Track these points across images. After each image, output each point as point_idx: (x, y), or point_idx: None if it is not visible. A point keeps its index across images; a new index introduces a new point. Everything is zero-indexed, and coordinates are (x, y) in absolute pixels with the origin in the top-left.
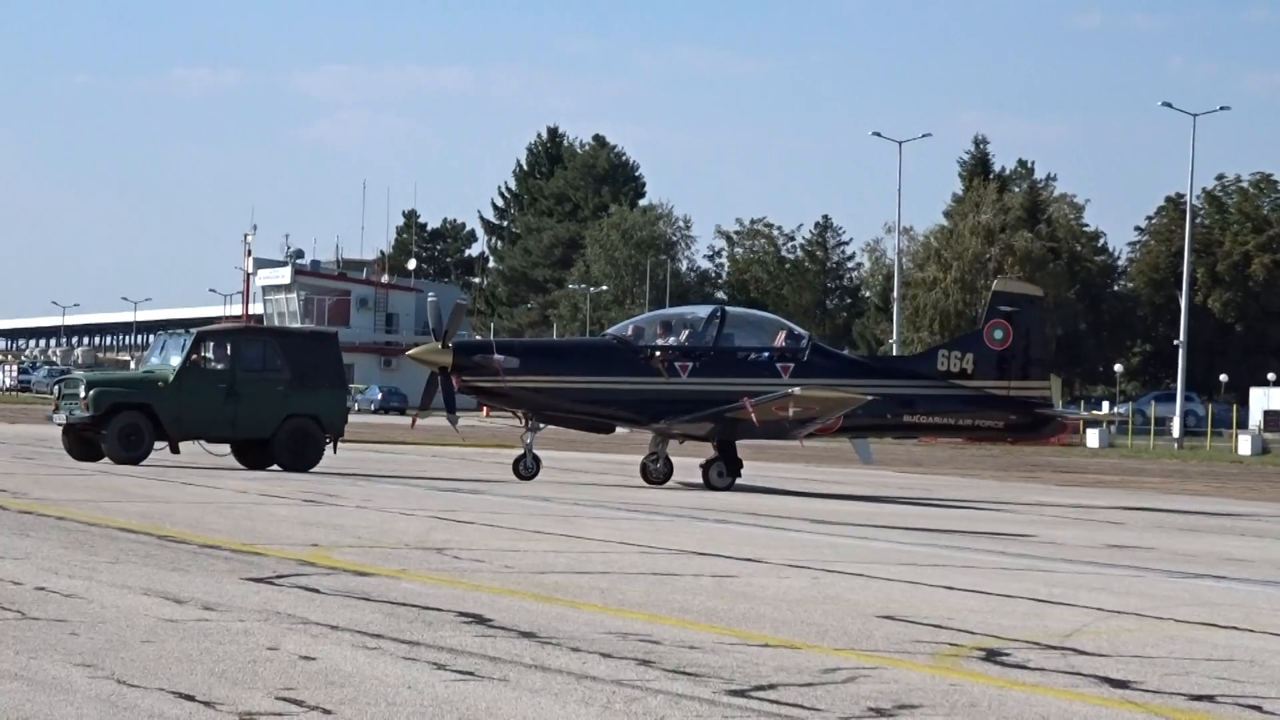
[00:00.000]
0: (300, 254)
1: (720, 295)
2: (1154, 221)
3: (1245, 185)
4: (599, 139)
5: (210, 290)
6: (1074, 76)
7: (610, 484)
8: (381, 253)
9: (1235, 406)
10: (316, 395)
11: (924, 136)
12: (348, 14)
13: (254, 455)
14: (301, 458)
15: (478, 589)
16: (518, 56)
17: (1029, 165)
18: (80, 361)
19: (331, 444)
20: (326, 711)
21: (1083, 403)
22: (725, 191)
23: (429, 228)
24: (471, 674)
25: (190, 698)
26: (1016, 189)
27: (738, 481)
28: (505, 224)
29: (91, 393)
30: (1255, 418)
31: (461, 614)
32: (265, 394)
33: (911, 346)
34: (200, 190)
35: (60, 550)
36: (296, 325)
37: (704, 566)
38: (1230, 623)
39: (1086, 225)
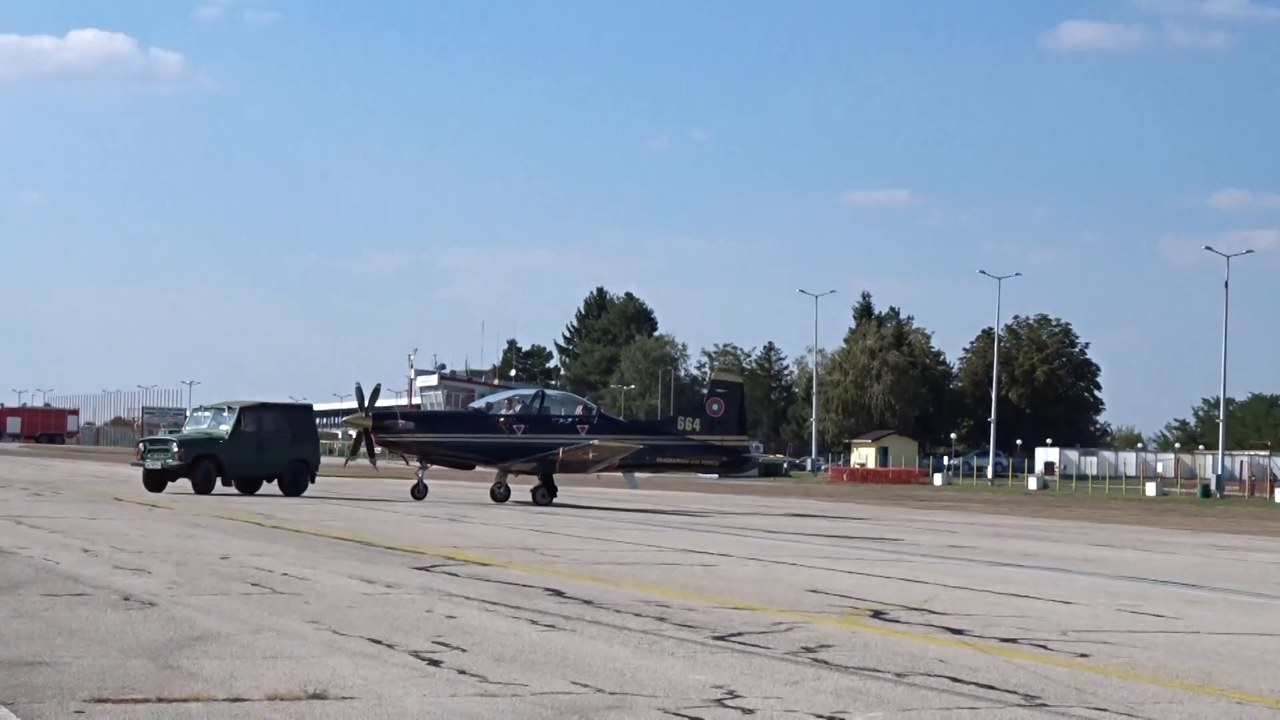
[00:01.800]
0: (443, 366)
1: (703, 390)
2: (974, 344)
3: (1031, 322)
4: (629, 294)
5: (387, 390)
6: (924, 257)
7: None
8: (494, 365)
9: (1026, 460)
10: (304, 446)
11: (831, 292)
12: (473, 214)
13: (251, 486)
14: (298, 486)
15: (556, 574)
16: (579, 242)
17: (896, 310)
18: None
19: (311, 478)
20: (463, 650)
21: (919, 459)
22: (707, 327)
23: (522, 350)
24: (553, 626)
25: (378, 642)
26: (889, 325)
27: (560, 500)
28: (571, 347)
29: (181, 448)
30: (1039, 467)
31: (546, 589)
32: (277, 446)
33: (823, 423)
34: (383, 326)
35: (296, 551)
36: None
37: (696, 559)
38: (1026, 594)
39: (932, 347)
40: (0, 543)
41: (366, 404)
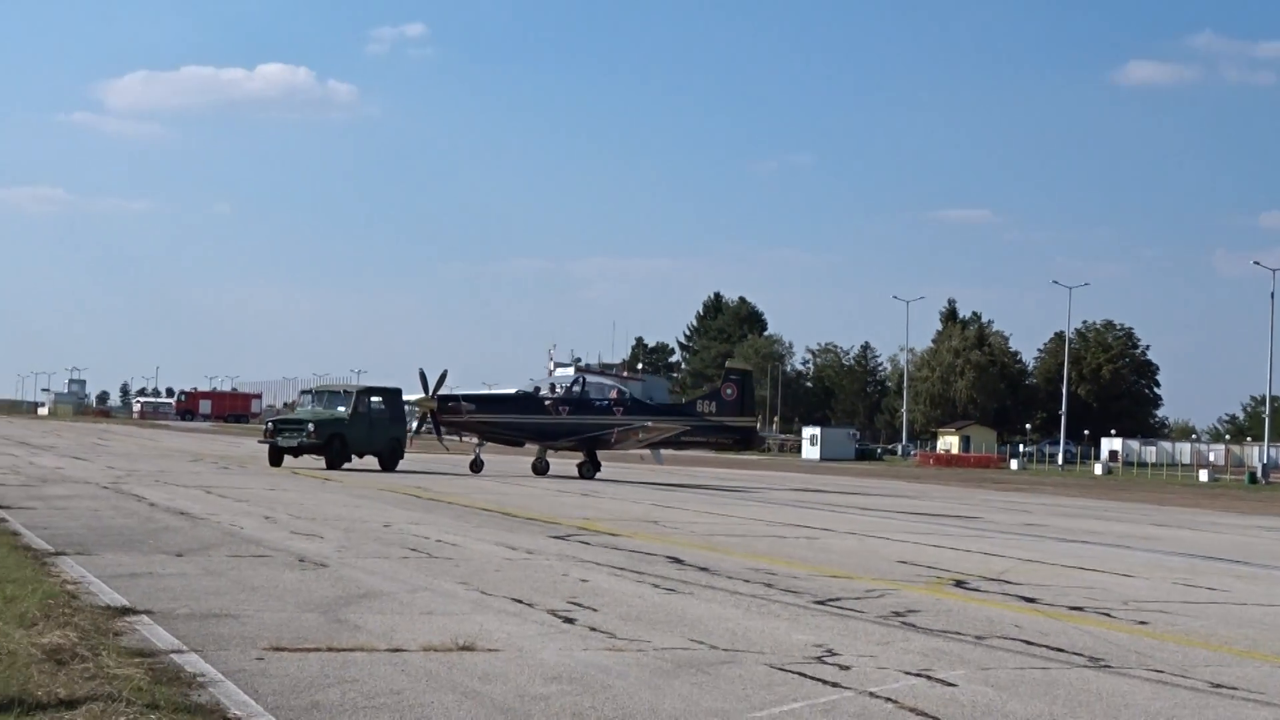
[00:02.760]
0: (579, 359)
1: (809, 384)
2: (1047, 345)
3: (1098, 326)
4: (742, 298)
5: (530, 379)
6: (1003, 268)
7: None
8: (623, 359)
9: (1092, 448)
10: (398, 426)
11: (920, 298)
12: (605, 227)
13: (335, 458)
14: (395, 460)
15: (676, 543)
16: (698, 252)
17: (978, 314)
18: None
19: (401, 454)
20: (594, 609)
21: (997, 447)
22: (811, 327)
23: (648, 346)
24: (673, 590)
25: (520, 601)
26: (971, 328)
27: (604, 474)
28: (690, 344)
29: (316, 428)
30: (1104, 454)
31: (668, 557)
32: (381, 425)
33: (912, 414)
34: (525, 324)
35: (449, 520)
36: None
37: (800, 533)
38: (1092, 567)
39: (1010, 348)
40: (192, 509)
41: (432, 389)
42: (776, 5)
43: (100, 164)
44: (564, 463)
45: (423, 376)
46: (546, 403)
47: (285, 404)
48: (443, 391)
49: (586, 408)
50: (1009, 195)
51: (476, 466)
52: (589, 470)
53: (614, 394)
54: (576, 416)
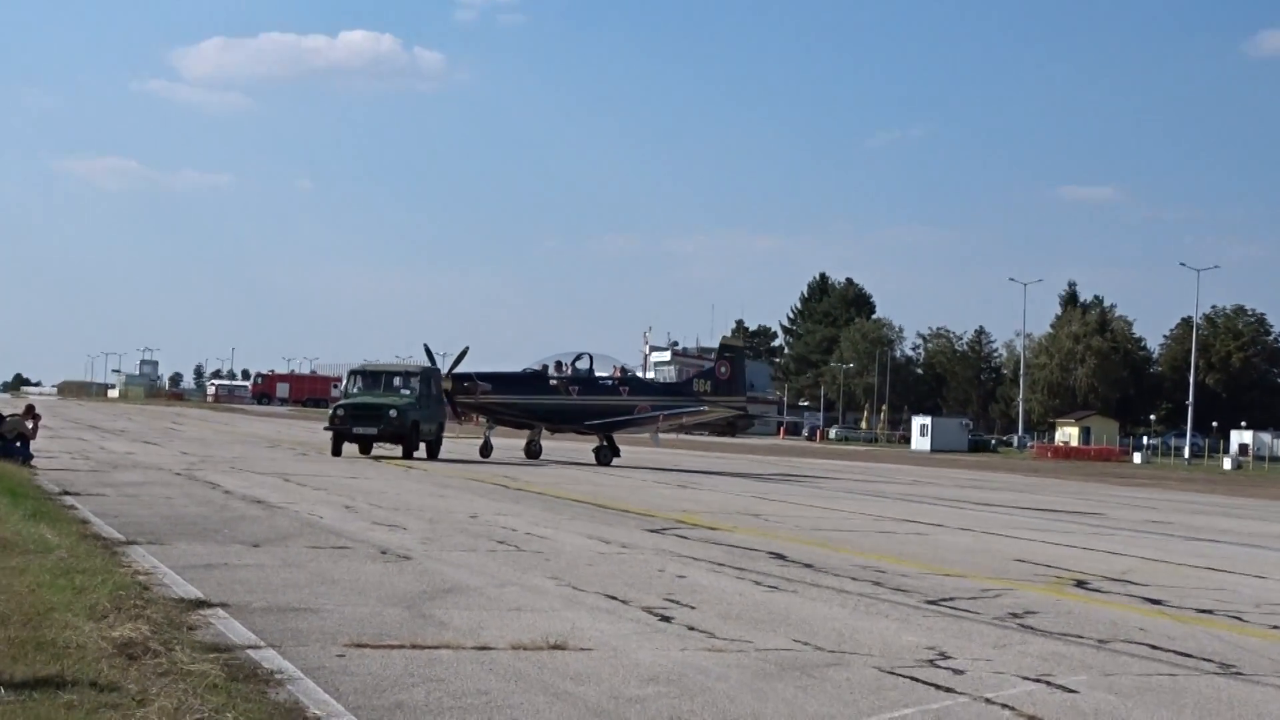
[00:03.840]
0: (676, 343)
1: (919, 371)
2: (1174, 332)
3: (1228, 311)
4: (849, 280)
5: (629, 365)
6: (1127, 249)
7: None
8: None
9: (1221, 441)
10: (442, 410)
11: (1039, 281)
12: (703, 203)
13: (412, 446)
14: (439, 445)
15: (779, 538)
16: (804, 230)
17: (1100, 298)
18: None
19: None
20: (692, 607)
21: (1119, 438)
22: (922, 311)
23: (750, 329)
24: (776, 587)
25: (614, 598)
26: (1093, 312)
27: (622, 460)
28: (794, 327)
29: (397, 414)
30: (1234, 448)
31: (770, 553)
32: (434, 409)
33: (1029, 403)
34: (619, 305)
35: (539, 512)
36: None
37: (910, 528)
38: (1221, 568)
39: (1134, 334)
40: (270, 498)
41: (448, 368)
42: None
43: (176, 135)
44: (562, 445)
45: (428, 352)
46: (554, 382)
47: (337, 388)
48: (458, 370)
49: (594, 387)
50: (1135, 172)
51: (486, 450)
52: (606, 456)
53: (617, 371)
54: (587, 397)
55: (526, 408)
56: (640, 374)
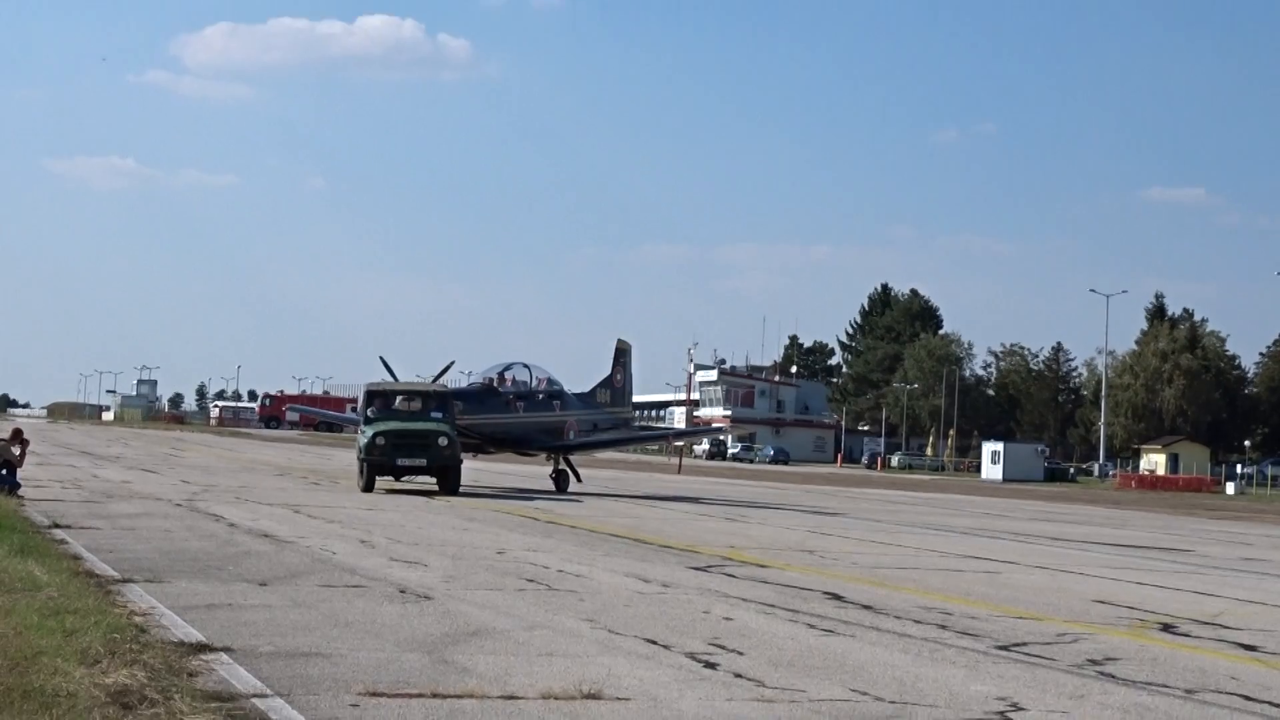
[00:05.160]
0: (723, 361)
1: (990, 392)
2: (1272, 348)
3: None
4: (914, 291)
5: (666, 384)
6: (1221, 257)
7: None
8: (775, 361)
9: None
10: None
11: (1122, 292)
12: (754, 209)
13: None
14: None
15: (835, 577)
16: (863, 238)
17: (1190, 311)
18: None
19: None
20: (740, 653)
21: (1210, 467)
22: (994, 326)
23: (804, 346)
24: (831, 630)
25: (654, 642)
26: (1182, 326)
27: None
28: (853, 344)
29: (446, 441)
30: None
31: (825, 593)
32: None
33: (1111, 427)
34: (662, 319)
35: (572, 547)
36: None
37: (979, 566)
38: None
39: (1228, 350)
40: (279, 532)
41: (432, 381)
42: None
43: (177, 132)
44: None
45: (386, 366)
46: (509, 399)
47: (353, 407)
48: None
49: (535, 403)
50: (1227, 172)
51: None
52: (564, 482)
53: (544, 383)
54: (538, 414)
55: (494, 429)
56: (687, 395)
